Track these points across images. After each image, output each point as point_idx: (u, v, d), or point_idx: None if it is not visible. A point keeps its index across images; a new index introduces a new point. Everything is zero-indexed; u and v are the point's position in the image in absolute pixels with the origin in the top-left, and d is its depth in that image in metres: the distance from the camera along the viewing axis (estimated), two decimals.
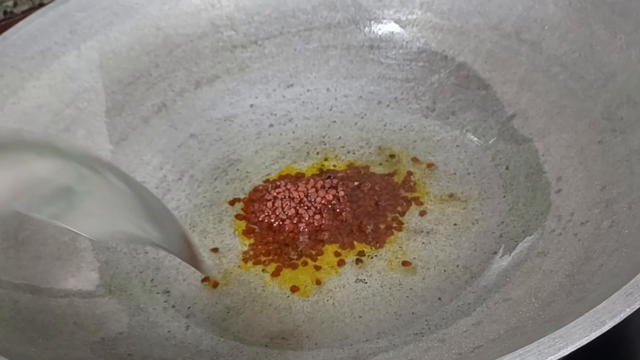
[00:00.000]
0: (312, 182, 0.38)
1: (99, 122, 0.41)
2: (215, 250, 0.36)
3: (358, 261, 0.35)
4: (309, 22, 0.45)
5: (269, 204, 0.37)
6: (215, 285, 0.35)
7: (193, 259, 0.27)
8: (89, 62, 0.42)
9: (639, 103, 0.33)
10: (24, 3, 0.57)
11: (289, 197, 0.37)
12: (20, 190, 0.19)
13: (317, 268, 0.35)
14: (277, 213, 0.37)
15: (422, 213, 0.37)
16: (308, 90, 0.44)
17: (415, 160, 0.40)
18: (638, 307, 0.23)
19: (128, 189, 0.22)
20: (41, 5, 0.55)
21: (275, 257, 0.35)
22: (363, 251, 0.35)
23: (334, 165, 0.40)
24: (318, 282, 0.34)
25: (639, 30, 0.35)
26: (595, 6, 0.37)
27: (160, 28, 0.44)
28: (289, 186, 0.37)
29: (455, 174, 0.38)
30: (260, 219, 0.37)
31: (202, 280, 0.35)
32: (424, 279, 0.33)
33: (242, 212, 0.38)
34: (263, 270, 0.35)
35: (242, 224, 0.37)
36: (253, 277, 0.35)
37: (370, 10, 0.45)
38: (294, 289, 0.34)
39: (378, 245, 0.35)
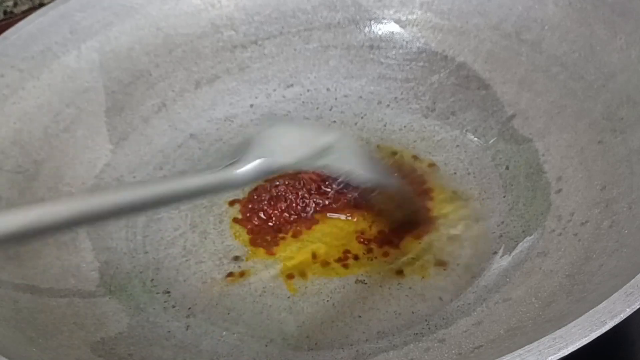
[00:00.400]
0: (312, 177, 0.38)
1: (99, 122, 0.41)
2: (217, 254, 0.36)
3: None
4: (309, 22, 0.45)
5: (268, 203, 0.37)
6: (242, 274, 0.35)
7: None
8: (89, 62, 0.42)
9: (639, 103, 0.33)
10: (24, 3, 0.57)
11: (290, 193, 0.37)
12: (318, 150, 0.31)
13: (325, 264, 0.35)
14: (277, 212, 0.37)
15: None
16: (308, 90, 0.44)
17: (415, 159, 0.40)
18: (638, 307, 0.23)
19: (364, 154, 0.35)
20: (41, 5, 0.55)
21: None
22: (363, 251, 0.35)
23: None
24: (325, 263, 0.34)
25: (639, 30, 0.35)
26: (595, 6, 0.37)
27: (160, 28, 0.44)
28: (287, 182, 0.37)
29: (455, 173, 0.38)
30: (256, 222, 0.37)
31: (226, 277, 0.35)
32: (423, 277, 0.33)
33: (239, 216, 0.38)
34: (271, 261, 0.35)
35: (241, 229, 0.37)
36: (254, 278, 0.35)
37: (370, 10, 0.45)
38: (291, 277, 0.34)
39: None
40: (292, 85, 0.44)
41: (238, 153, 0.30)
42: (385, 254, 0.35)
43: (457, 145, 0.40)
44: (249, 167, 0.29)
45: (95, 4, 0.43)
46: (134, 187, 0.29)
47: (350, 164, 0.32)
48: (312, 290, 0.34)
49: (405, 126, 0.42)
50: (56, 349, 0.29)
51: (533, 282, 0.30)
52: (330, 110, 0.43)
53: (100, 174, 0.39)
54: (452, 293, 0.32)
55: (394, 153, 0.40)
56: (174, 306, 0.34)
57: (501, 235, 0.34)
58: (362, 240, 0.35)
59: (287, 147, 0.30)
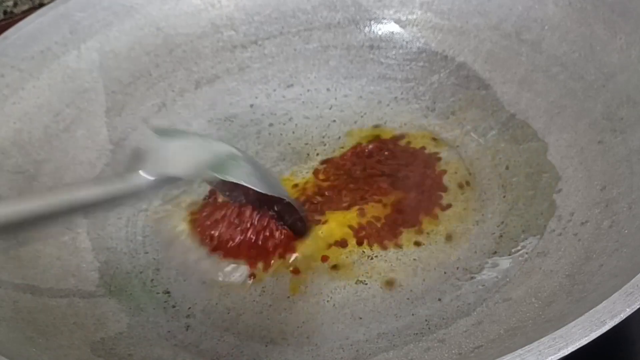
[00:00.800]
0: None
1: (99, 122, 0.41)
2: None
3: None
4: (309, 22, 0.45)
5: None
6: (269, 268, 0.35)
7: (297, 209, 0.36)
8: (89, 62, 0.42)
9: (639, 103, 0.33)
10: (24, 3, 0.57)
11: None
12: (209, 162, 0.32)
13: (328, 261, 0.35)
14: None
15: None
16: (308, 90, 0.44)
17: None
18: (638, 307, 0.23)
19: (256, 164, 0.35)
20: (41, 5, 0.55)
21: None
22: (363, 251, 0.35)
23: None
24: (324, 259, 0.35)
25: (639, 30, 0.35)
26: (595, 6, 0.37)
27: (160, 28, 0.44)
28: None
29: (455, 173, 0.38)
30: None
31: (249, 276, 0.34)
32: (424, 280, 0.33)
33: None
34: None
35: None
36: (254, 279, 0.35)
37: (370, 10, 0.45)
38: (297, 271, 0.34)
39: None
40: (292, 85, 0.44)
41: (132, 161, 0.31)
42: (386, 255, 0.35)
43: (457, 145, 0.40)
44: (149, 180, 0.30)
45: (95, 4, 0.43)
46: (28, 198, 0.30)
47: (243, 176, 0.33)
48: (312, 290, 0.34)
49: (405, 125, 0.42)
50: (56, 349, 0.29)
51: (533, 282, 0.30)
52: (330, 109, 0.43)
53: (100, 174, 0.39)
54: (451, 294, 0.32)
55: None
56: (174, 306, 0.34)
57: (501, 235, 0.34)
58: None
59: (183, 159, 0.32)
